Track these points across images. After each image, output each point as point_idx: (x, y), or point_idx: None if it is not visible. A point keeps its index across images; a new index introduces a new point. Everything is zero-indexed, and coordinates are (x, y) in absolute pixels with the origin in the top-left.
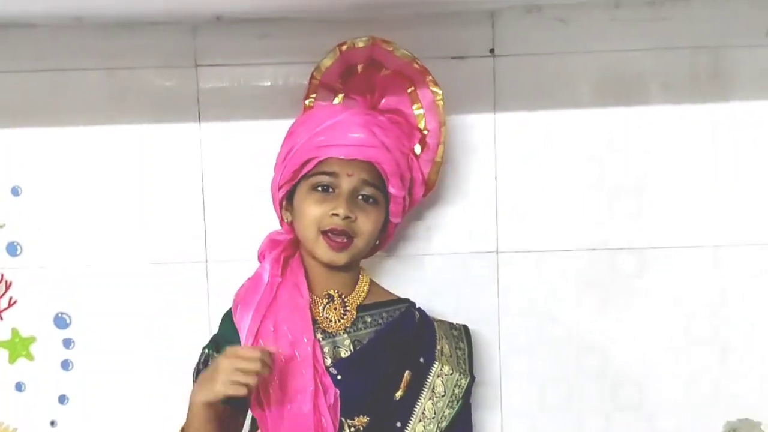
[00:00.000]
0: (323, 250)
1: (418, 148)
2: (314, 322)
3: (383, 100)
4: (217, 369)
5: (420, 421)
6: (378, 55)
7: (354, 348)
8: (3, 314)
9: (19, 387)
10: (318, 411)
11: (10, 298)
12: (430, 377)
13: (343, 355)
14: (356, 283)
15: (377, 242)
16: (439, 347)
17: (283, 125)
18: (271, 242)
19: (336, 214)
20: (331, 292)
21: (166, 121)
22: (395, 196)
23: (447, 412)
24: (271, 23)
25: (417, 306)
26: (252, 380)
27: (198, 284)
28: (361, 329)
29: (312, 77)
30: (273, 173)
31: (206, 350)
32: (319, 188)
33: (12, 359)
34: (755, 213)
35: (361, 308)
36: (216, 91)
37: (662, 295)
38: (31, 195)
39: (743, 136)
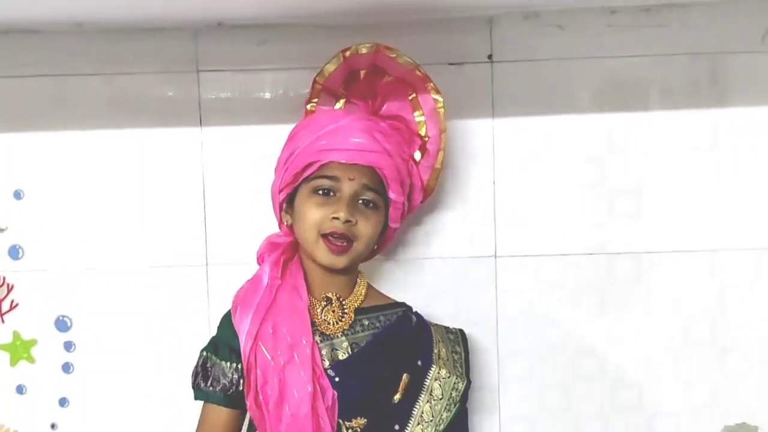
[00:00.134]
0: (323, 253)
1: (417, 155)
2: (312, 324)
3: (384, 106)
4: None
5: (418, 424)
6: (381, 62)
7: (352, 350)
8: (5, 317)
9: (20, 390)
10: (316, 413)
11: (12, 301)
12: (428, 380)
13: (340, 357)
14: (354, 287)
15: (375, 246)
16: (436, 351)
17: (284, 130)
18: (270, 245)
19: (337, 218)
20: (330, 294)
21: (168, 126)
22: (395, 202)
23: (445, 415)
24: (271, 29)
25: (414, 310)
26: None
27: (198, 287)
28: (358, 332)
29: (315, 82)
30: (273, 176)
31: (205, 353)
32: (320, 192)
33: (13, 362)
34: (753, 217)
35: (358, 311)
36: (217, 96)
37: (660, 299)
38: (33, 199)
39: (741, 142)
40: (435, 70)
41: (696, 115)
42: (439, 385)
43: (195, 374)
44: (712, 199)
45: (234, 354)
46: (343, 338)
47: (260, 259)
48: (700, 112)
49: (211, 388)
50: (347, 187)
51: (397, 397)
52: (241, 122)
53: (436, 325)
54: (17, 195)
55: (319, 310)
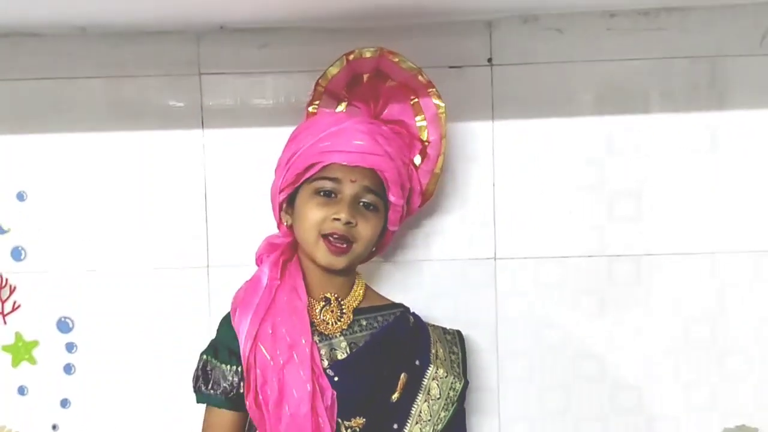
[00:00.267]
0: (323, 254)
1: (418, 159)
2: (311, 324)
3: (386, 110)
4: None
5: (417, 423)
6: (384, 66)
7: (350, 350)
8: (7, 318)
9: (21, 391)
10: (315, 413)
11: (14, 302)
12: (426, 380)
13: (339, 357)
14: (352, 287)
15: (374, 249)
16: (433, 351)
17: (285, 133)
18: (269, 245)
19: (338, 219)
20: (328, 295)
21: (170, 128)
22: (395, 205)
23: (442, 414)
24: (272, 32)
25: (411, 311)
26: None
27: (200, 289)
28: (356, 332)
29: (317, 84)
30: (273, 177)
31: (204, 356)
32: (322, 193)
33: (15, 363)
34: (752, 220)
35: (356, 311)
36: (219, 99)
37: (660, 301)
38: (35, 200)
39: (740, 144)
40: (435, 73)
41: (695, 118)
42: (437, 384)
43: (195, 378)
44: (711, 201)
45: (234, 357)
46: (342, 338)
47: (259, 260)
48: (700, 115)
49: (212, 392)
50: (348, 189)
51: (395, 396)
52: (243, 125)
53: (434, 325)
54: (20, 197)
55: (317, 311)
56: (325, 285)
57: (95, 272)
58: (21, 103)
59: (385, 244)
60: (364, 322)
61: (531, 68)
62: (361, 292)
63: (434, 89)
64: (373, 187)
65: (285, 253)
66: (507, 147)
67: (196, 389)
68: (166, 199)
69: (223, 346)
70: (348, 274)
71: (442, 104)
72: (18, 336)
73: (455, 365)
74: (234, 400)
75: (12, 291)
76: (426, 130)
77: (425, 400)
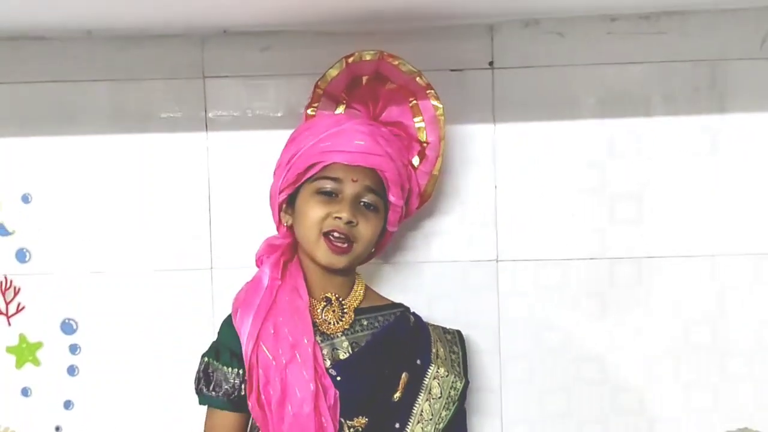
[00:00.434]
0: (323, 253)
1: (416, 160)
2: (313, 324)
3: (385, 112)
4: None
5: (418, 422)
6: (384, 69)
7: (352, 350)
8: (11, 320)
9: (25, 392)
10: (318, 412)
11: (18, 304)
12: (427, 379)
13: (341, 356)
14: (352, 287)
15: (373, 249)
16: (434, 350)
17: (288, 136)
18: (269, 247)
19: (339, 218)
20: (329, 295)
21: (174, 131)
22: (394, 205)
23: (444, 413)
24: (275, 36)
25: (412, 311)
26: None
27: (203, 291)
28: (358, 332)
29: (316, 87)
30: (273, 178)
31: (206, 358)
32: (322, 193)
33: (19, 364)
34: (753, 222)
35: (357, 311)
36: (223, 102)
37: (661, 303)
38: (40, 203)
39: (741, 147)
40: (437, 76)
41: (696, 121)
42: (438, 383)
43: (197, 380)
44: (712, 204)
45: (235, 359)
46: (344, 338)
47: (259, 262)
48: (700, 118)
49: (213, 393)
50: (349, 189)
51: (397, 395)
52: (247, 128)
53: (434, 325)
54: (25, 199)
55: (319, 310)
56: (325, 285)
57: (99, 274)
58: (26, 106)
59: (384, 245)
60: (365, 322)
61: (532, 71)
62: (361, 292)
63: (433, 91)
64: (373, 187)
65: (285, 254)
66: (508, 150)
67: (198, 391)
68: (170, 201)
69: (225, 347)
70: (348, 274)
71: (441, 106)
72: (22, 337)
73: (456, 364)
74: (235, 402)
75: (16, 293)
76: (424, 131)
77: (427, 400)
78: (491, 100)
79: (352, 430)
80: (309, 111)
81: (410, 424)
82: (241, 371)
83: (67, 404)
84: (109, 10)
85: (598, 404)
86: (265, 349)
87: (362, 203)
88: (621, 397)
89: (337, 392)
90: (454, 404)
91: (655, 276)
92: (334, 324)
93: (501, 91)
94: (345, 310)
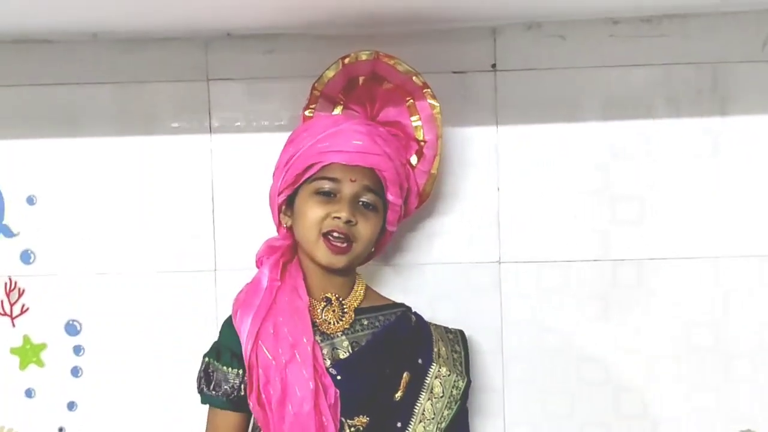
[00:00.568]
0: (323, 253)
1: (414, 159)
2: (313, 324)
3: (382, 112)
4: None
5: (420, 422)
6: (380, 69)
7: (352, 349)
8: (15, 321)
9: (29, 393)
10: (319, 411)
11: (23, 305)
12: (428, 378)
13: (341, 356)
14: (352, 288)
15: (373, 249)
16: (436, 349)
17: None
18: (269, 248)
19: (338, 217)
20: (329, 295)
21: (178, 133)
22: (393, 204)
23: (446, 413)
24: (278, 39)
25: (413, 310)
26: None
27: (207, 293)
28: (358, 331)
29: (313, 88)
30: (272, 180)
31: (207, 358)
32: (321, 193)
33: (23, 366)
34: (755, 224)
35: (358, 311)
36: (227, 105)
37: (663, 305)
38: (45, 204)
39: (743, 149)
40: (439, 78)
41: (698, 123)
42: (440, 383)
43: (199, 380)
44: (714, 206)
45: (236, 359)
46: (344, 337)
47: (259, 263)
48: (702, 120)
49: (214, 393)
50: (348, 189)
51: (398, 395)
52: (250, 130)
53: (436, 325)
54: (30, 201)
55: (319, 310)
56: (325, 285)
57: (104, 276)
58: (31, 109)
59: (384, 245)
60: (365, 322)
61: (534, 74)
62: (361, 291)
63: (429, 90)
64: (372, 187)
65: (285, 254)
66: (511, 152)
67: (200, 390)
68: (175, 203)
69: (225, 348)
70: (348, 274)
71: (437, 104)
72: (26, 339)
73: (458, 364)
74: (235, 402)
75: (21, 294)
76: (422, 130)
77: (428, 399)
78: (494, 103)
79: (353, 429)
80: (306, 113)
81: (412, 423)
82: (241, 371)
83: (71, 405)
84: (113, 14)
85: (600, 405)
86: (264, 349)
87: (361, 203)
88: (623, 399)
89: (338, 391)
90: (456, 403)
91: (658, 277)
92: (334, 324)
93: (503, 94)
94: (345, 310)
